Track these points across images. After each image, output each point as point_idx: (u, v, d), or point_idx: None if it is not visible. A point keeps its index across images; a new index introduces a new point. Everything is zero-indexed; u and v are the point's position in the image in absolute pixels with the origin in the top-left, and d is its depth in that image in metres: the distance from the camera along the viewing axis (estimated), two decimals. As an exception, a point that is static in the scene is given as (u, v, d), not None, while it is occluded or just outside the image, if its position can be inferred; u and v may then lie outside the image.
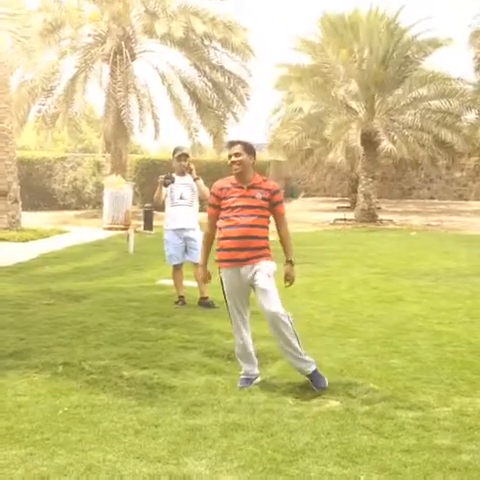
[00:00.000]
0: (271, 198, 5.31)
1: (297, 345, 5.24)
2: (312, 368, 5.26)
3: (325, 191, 38.40)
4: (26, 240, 15.91)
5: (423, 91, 23.45)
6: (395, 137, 22.79)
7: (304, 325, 7.52)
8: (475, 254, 14.42)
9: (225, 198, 5.32)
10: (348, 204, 29.58)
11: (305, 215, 25.56)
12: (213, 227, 5.46)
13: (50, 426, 4.48)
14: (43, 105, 23.79)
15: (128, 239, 14.41)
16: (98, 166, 29.13)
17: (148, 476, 3.80)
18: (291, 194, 36.76)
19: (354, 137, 22.83)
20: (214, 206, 5.40)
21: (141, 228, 18.55)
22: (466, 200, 35.07)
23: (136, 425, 4.52)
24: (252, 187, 5.31)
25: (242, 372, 5.44)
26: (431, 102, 23.47)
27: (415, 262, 13.01)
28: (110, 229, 19.07)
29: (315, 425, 4.57)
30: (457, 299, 9.24)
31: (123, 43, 23.09)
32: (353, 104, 24.18)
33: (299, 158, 27.24)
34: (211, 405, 4.90)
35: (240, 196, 5.27)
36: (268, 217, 5.35)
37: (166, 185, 8.49)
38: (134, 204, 22.22)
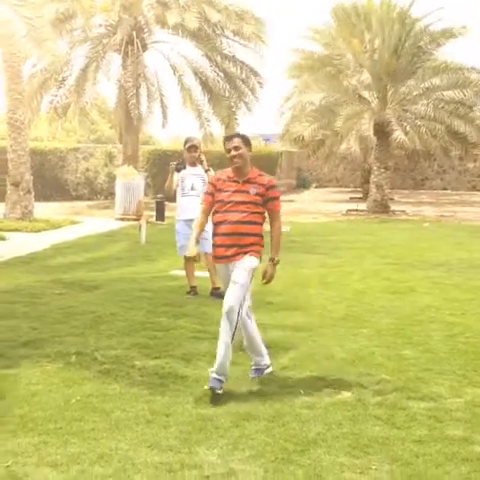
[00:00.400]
0: (265, 193, 5.21)
1: (230, 347, 5.01)
2: (224, 377, 4.98)
3: (337, 182, 38.30)
4: (39, 230, 15.97)
5: (436, 81, 23.25)
6: (407, 127, 22.65)
7: (316, 316, 7.54)
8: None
9: (220, 190, 5.27)
10: (360, 195, 29.48)
11: (317, 205, 25.52)
12: (207, 214, 5.42)
13: (63, 415, 4.52)
14: (55, 96, 23.83)
15: (140, 230, 14.43)
16: (110, 157, 29.16)
17: (160, 465, 3.83)
18: (303, 184, 36.71)
19: (367, 127, 22.70)
20: (211, 194, 5.35)
21: (153, 219, 18.57)
22: (479, 191, 34.87)
23: (148, 414, 4.55)
24: (247, 182, 5.23)
25: (252, 362, 5.45)
26: (444, 92, 23.27)
27: (428, 253, 12.96)
28: (122, 220, 19.11)
29: (327, 415, 4.58)
30: (470, 290, 9.20)
31: (134, 33, 23.07)
32: (366, 94, 24.04)
33: (311, 149, 27.14)
34: (222, 395, 4.92)
35: (235, 191, 5.22)
36: (262, 213, 5.25)
37: (178, 170, 8.50)
38: (146, 195, 22.24)
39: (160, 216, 18.82)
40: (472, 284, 9.64)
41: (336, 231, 17.06)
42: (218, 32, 24.32)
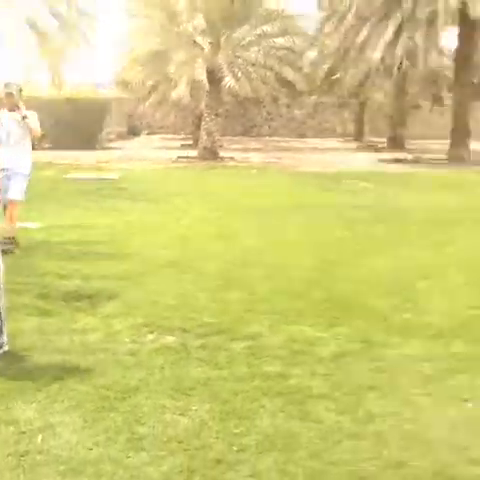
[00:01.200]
0: None
1: None
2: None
3: (169, 129, 38.01)
4: None
5: (267, 28, 23.44)
6: (239, 74, 22.77)
7: (140, 262, 7.47)
8: (304, 191, 14.80)
9: None
10: (191, 141, 29.47)
11: (148, 153, 25.19)
12: None
13: None
14: None
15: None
16: None
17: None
18: (133, 132, 36.16)
19: (200, 72, 22.55)
20: None
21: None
22: (304, 137, 35.99)
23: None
24: None
25: None
26: (276, 39, 23.53)
27: (254, 199, 13.22)
28: None
29: (150, 361, 4.59)
30: (293, 231, 9.57)
31: None
32: (199, 40, 23.80)
33: (143, 95, 26.62)
34: (42, 347, 4.78)
35: None
36: None
37: None
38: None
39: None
40: (295, 225, 10.05)
41: (165, 178, 16.98)
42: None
